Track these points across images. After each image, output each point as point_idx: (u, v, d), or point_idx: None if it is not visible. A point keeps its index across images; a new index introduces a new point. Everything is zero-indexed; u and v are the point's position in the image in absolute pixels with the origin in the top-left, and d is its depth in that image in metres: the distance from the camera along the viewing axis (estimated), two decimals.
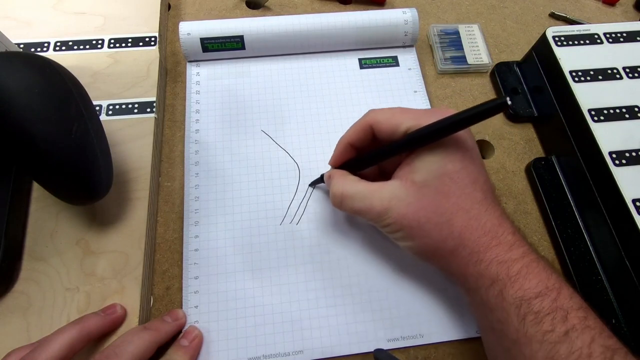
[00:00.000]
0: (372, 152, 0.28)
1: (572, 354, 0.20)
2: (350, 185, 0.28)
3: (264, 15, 0.43)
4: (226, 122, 0.37)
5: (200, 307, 0.30)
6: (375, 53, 0.41)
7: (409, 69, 0.40)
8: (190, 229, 0.32)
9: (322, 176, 0.32)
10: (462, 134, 0.25)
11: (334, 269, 0.31)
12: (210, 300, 0.30)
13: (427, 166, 0.25)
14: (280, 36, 0.38)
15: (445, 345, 0.30)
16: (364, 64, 0.40)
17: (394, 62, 0.41)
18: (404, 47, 0.41)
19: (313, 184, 0.34)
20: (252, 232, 0.32)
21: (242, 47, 0.38)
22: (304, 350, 0.29)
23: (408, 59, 0.41)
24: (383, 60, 0.41)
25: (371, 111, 0.28)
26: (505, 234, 0.24)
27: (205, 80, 0.39)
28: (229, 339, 0.29)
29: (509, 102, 0.21)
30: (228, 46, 0.38)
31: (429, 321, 0.30)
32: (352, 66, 0.40)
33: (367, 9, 0.43)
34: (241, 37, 0.38)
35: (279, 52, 0.40)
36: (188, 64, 0.39)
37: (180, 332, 0.29)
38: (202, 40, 0.38)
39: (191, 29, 0.37)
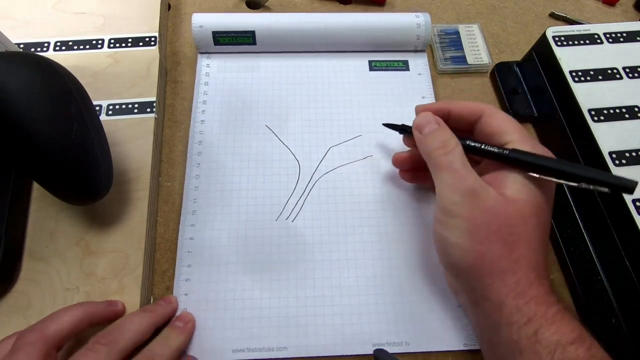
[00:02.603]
0: (483, 146, 0.27)
1: None
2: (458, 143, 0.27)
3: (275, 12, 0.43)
4: (232, 114, 0.37)
5: (190, 295, 0.30)
6: (386, 56, 0.41)
7: (419, 74, 0.40)
8: (187, 217, 0.33)
9: (403, 126, 0.31)
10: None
11: (325, 269, 0.31)
12: (201, 289, 0.30)
13: (521, 188, 0.25)
14: (292, 33, 0.38)
15: (432, 355, 0.29)
16: (373, 66, 0.40)
17: (404, 66, 0.40)
18: (415, 51, 0.41)
19: (388, 126, 0.32)
20: (247, 226, 0.33)
21: (253, 43, 0.39)
22: (289, 347, 0.29)
23: (419, 64, 0.40)
24: (393, 64, 0.40)
25: (484, 104, 0.28)
26: (547, 279, 0.24)
27: (214, 72, 0.39)
28: (216, 329, 0.29)
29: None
30: (239, 40, 0.38)
31: (416, 329, 0.30)
32: (362, 68, 0.40)
33: (367, 10, 0.43)
34: (253, 33, 0.38)
35: (289, 49, 0.40)
36: (199, 55, 0.40)
37: (173, 316, 0.29)
38: (214, 33, 0.38)
39: (203, 22, 0.38)
